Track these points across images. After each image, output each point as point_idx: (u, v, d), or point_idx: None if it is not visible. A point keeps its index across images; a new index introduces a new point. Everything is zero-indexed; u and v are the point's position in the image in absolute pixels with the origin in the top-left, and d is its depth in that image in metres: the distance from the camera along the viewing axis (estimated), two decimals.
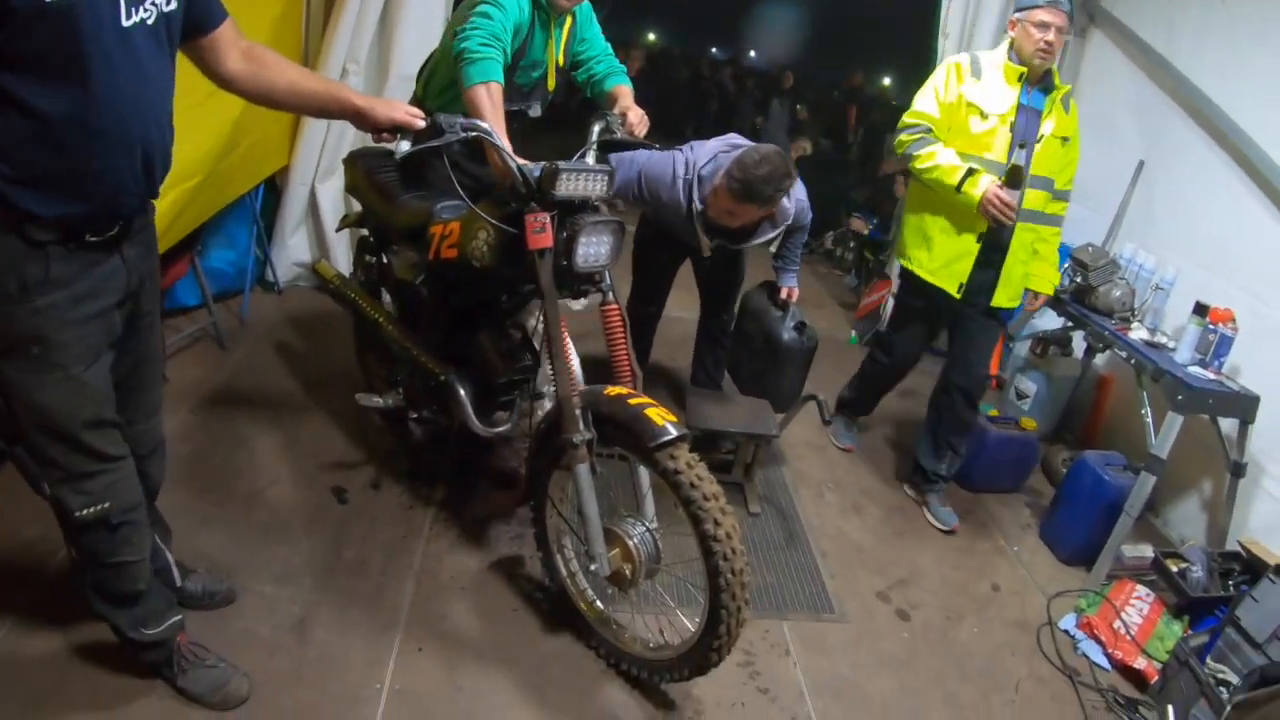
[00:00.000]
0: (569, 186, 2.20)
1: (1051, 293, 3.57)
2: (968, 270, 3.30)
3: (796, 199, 3.25)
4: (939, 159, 3.18)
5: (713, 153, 3.08)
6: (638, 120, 2.80)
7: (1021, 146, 3.17)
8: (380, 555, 2.74)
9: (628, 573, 2.28)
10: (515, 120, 3.10)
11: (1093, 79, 4.96)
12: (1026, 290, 3.48)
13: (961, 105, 3.22)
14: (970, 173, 3.12)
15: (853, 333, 5.73)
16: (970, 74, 3.24)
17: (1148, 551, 3.36)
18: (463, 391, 2.59)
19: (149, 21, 1.60)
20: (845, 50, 13.37)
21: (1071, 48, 5.09)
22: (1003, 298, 3.37)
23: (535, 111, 3.14)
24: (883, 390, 4.03)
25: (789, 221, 3.27)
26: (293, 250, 4.54)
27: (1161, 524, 3.96)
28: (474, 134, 2.16)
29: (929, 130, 3.26)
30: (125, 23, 1.54)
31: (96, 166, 1.59)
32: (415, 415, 2.93)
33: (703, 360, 3.88)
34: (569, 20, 3.06)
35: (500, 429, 2.68)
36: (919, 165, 3.25)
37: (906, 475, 3.87)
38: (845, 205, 7.60)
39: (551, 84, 3.11)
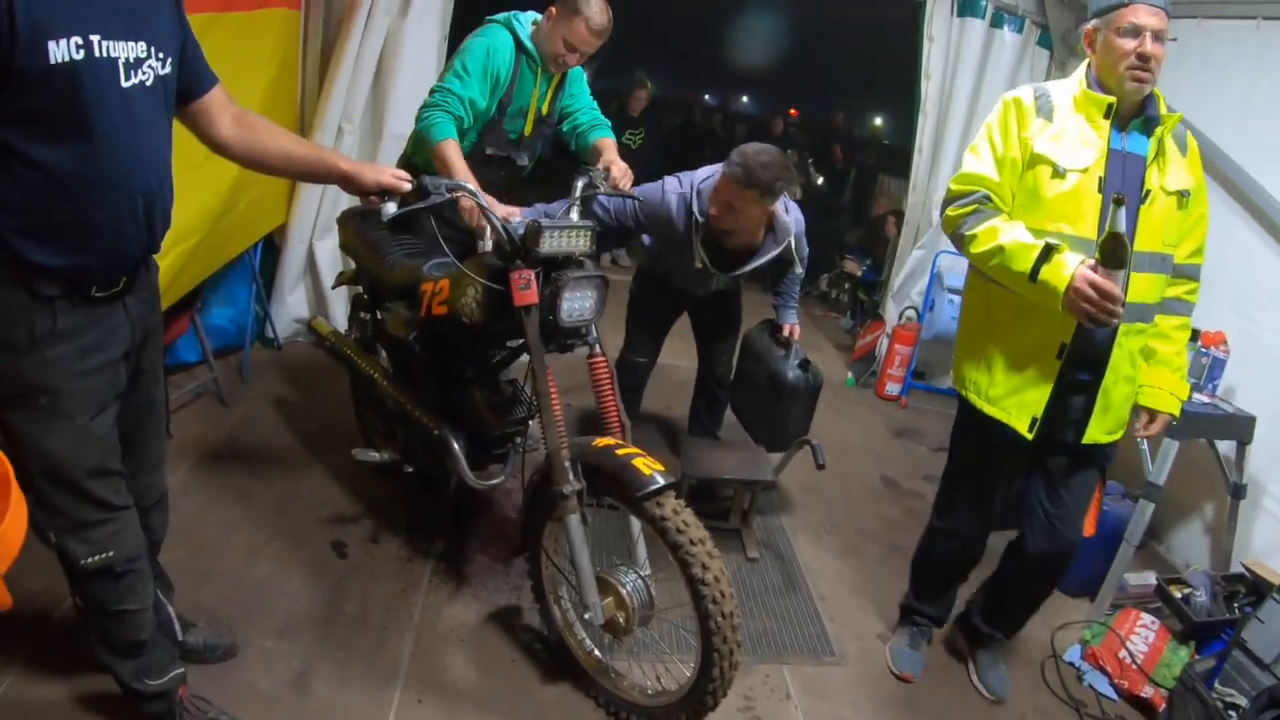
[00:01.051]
0: (552, 244, 2.25)
1: (1178, 412, 2.50)
2: (1044, 399, 2.36)
3: (795, 218, 3.24)
4: (1002, 237, 2.19)
5: (711, 170, 3.11)
6: (620, 174, 2.86)
7: (1118, 204, 2.02)
8: (380, 608, 2.75)
9: (622, 620, 2.29)
10: (503, 167, 3.20)
11: None
12: (1138, 407, 2.49)
13: (1028, 159, 2.29)
14: (1049, 251, 2.11)
15: (849, 375, 5.77)
16: (1036, 114, 2.30)
17: (1151, 579, 3.37)
18: (456, 446, 2.62)
19: (147, 84, 1.68)
20: (836, 92, 13.53)
21: (1052, 81, 5.19)
22: (1099, 430, 2.41)
23: (523, 160, 3.23)
24: (954, 575, 2.95)
25: (790, 239, 3.20)
26: (292, 307, 4.61)
27: (1165, 550, 3.96)
28: (459, 194, 2.23)
29: (985, 199, 2.31)
30: (124, 84, 1.62)
31: (99, 218, 1.65)
32: (412, 469, 2.96)
33: (699, 413, 3.89)
34: (558, 75, 3.17)
35: (494, 481, 2.71)
36: (975, 249, 2.27)
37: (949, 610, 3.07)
38: (839, 247, 7.68)
39: (529, 129, 3.19)
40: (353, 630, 2.64)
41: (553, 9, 3.02)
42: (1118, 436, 2.49)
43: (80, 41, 1.52)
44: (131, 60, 1.64)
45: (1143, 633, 3.11)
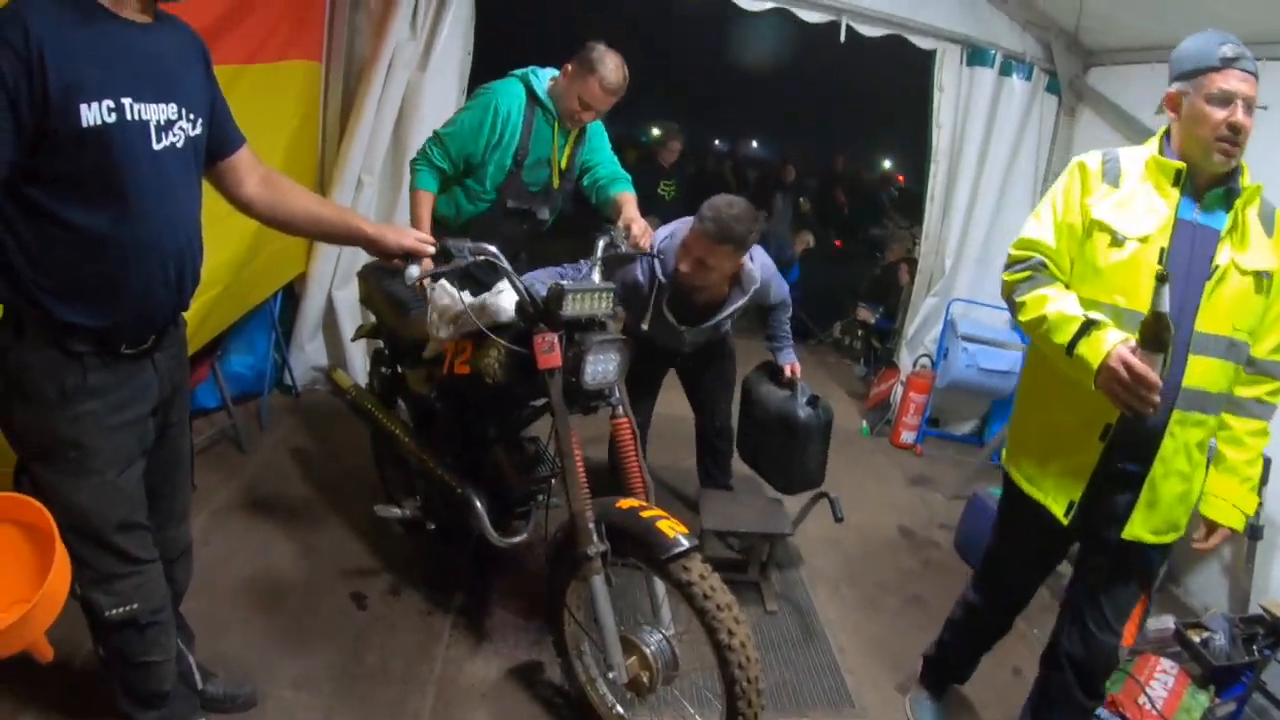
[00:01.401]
0: (575, 307, 2.28)
1: (1241, 527, 2.26)
2: (1083, 483, 2.20)
3: (761, 264, 3.21)
4: (1049, 307, 2.06)
5: (669, 231, 3.11)
6: (640, 232, 2.88)
7: (1162, 280, 1.82)
8: (400, 661, 2.75)
9: (645, 680, 2.30)
10: (524, 220, 3.25)
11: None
12: (1198, 515, 2.25)
13: (1086, 226, 2.14)
14: (1089, 326, 1.97)
15: (863, 423, 5.76)
16: (1102, 179, 2.15)
17: (1169, 623, 3.33)
18: (479, 504, 2.63)
19: (178, 145, 1.74)
20: (848, 138, 13.63)
21: (1061, 128, 5.29)
22: (1143, 527, 2.18)
23: (544, 215, 3.27)
24: (982, 644, 2.83)
25: (756, 286, 3.16)
26: (310, 355, 4.65)
27: (1183, 593, 3.93)
28: (482, 258, 2.25)
29: (1041, 265, 2.18)
30: (155, 146, 1.67)
31: (130, 278, 1.69)
32: (434, 525, 2.96)
33: (707, 467, 3.83)
34: (575, 130, 3.24)
35: (517, 539, 2.71)
36: (1024, 317, 2.15)
37: None
38: (851, 295, 7.71)
39: (556, 182, 3.25)
40: (373, 683, 2.64)
41: (569, 66, 3.10)
42: (1168, 539, 2.23)
43: (112, 105, 1.57)
44: (163, 122, 1.69)
45: (1162, 678, 3.07)
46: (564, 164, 3.28)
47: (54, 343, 1.66)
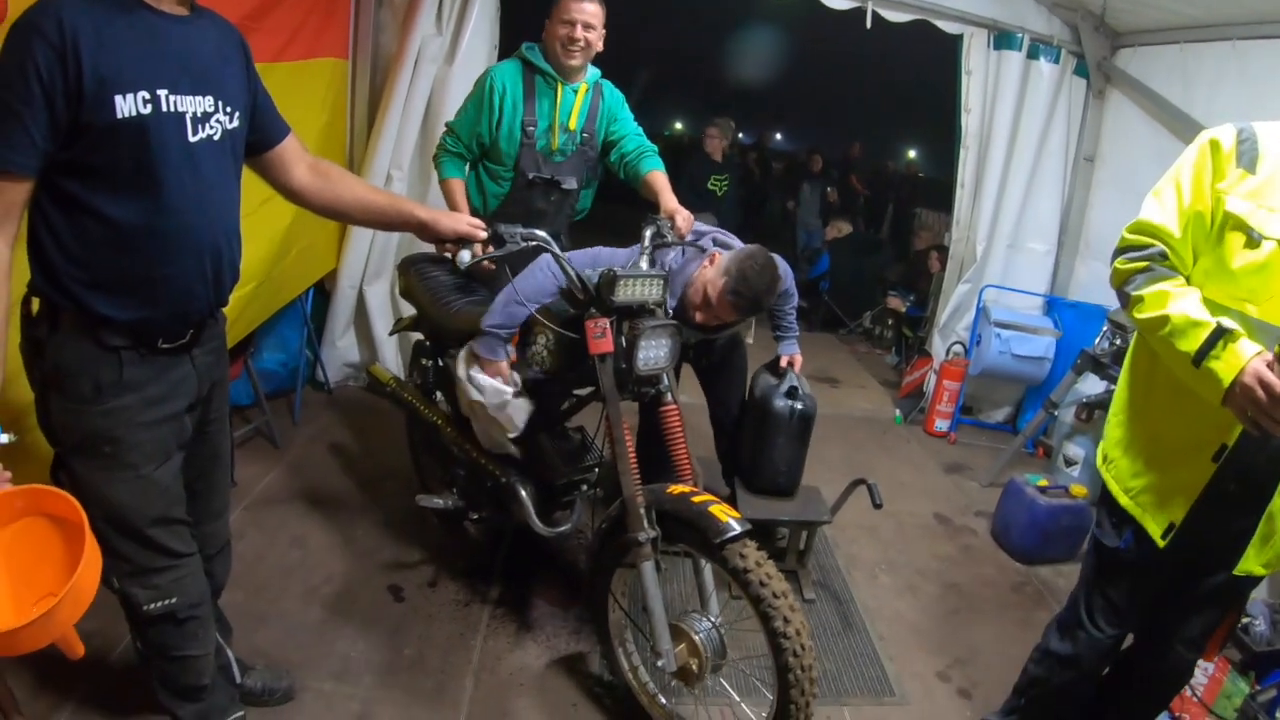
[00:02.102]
0: (627, 293, 2.26)
1: None
2: (1187, 504, 1.94)
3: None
4: (1171, 306, 1.78)
5: (678, 259, 2.94)
6: (684, 223, 2.86)
7: None
8: (439, 652, 2.75)
9: (694, 668, 2.28)
10: (551, 191, 3.26)
11: (1113, 137, 5.09)
12: None
13: (1217, 217, 1.82)
14: (1221, 334, 1.69)
15: (897, 412, 5.72)
16: (1236, 162, 1.82)
17: None
18: (524, 493, 2.63)
19: (215, 138, 1.73)
20: (873, 126, 13.55)
21: (1090, 110, 5.22)
22: (1255, 561, 1.95)
23: (570, 184, 3.28)
24: (1072, 705, 2.41)
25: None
26: (342, 351, 4.67)
27: None
28: (533, 243, 2.24)
29: (1162, 256, 1.88)
30: (191, 139, 1.67)
31: (166, 272, 1.69)
32: (475, 516, 2.96)
33: (727, 455, 3.68)
34: (584, 90, 3.23)
35: (561, 528, 2.70)
36: (1140, 314, 1.86)
37: None
38: (881, 284, 7.66)
39: (556, 143, 3.23)
40: (412, 674, 2.65)
41: (548, 18, 3.13)
42: (1276, 569, 2.02)
43: (147, 96, 1.57)
44: (199, 115, 1.68)
45: (1203, 665, 3.03)
46: (571, 124, 3.25)
47: (89, 336, 1.66)
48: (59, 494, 1.55)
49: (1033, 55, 5.09)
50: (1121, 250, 1.97)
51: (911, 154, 15.40)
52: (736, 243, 3.00)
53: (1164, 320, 1.79)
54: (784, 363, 3.37)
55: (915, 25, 4.99)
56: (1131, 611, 2.20)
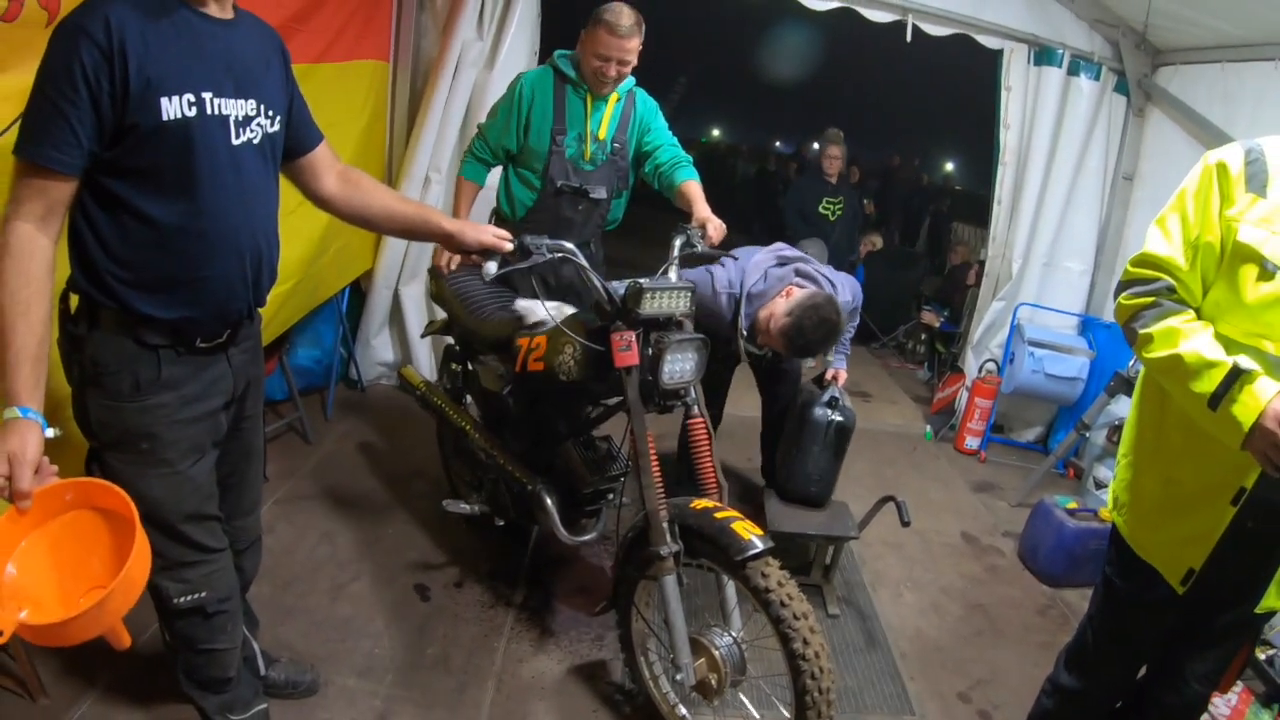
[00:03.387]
0: (654, 305, 2.25)
1: None
2: (1206, 551, 1.84)
3: (848, 297, 3.28)
4: (1183, 345, 1.67)
5: (762, 268, 3.13)
6: (715, 231, 2.85)
7: None
8: (462, 653, 2.77)
9: (713, 682, 2.27)
10: (580, 200, 3.25)
11: (1153, 157, 5.03)
12: None
13: (1228, 247, 1.71)
14: (1239, 375, 1.58)
15: (927, 428, 5.68)
16: (1246, 186, 1.71)
17: None
18: (550, 501, 2.63)
19: (255, 141, 1.76)
20: (912, 138, 13.47)
21: (1130, 129, 5.16)
22: (1276, 596, 1.91)
23: (599, 194, 3.26)
24: None
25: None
26: (376, 350, 4.73)
27: None
28: (560, 255, 2.24)
29: (1170, 290, 1.77)
30: (235, 142, 1.70)
31: (207, 272, 1.71)
32: (502, 522, 2.97)
33: (770, 454, 3.89)
34: (615, 100, 3.23)
35: (586, 537, 2.71)
36: (1149, 354, 1.75)
37: None
38: (915, 298, 7.59)
39: (588, 153, 3.23)
40: (434, 673, 2.67)
41: (583, 32, 3.10)
42: None
43: (192, 99, 1.59)
44: (241, 118, 1.71)
45: (1225, 696, 2.98)
46: (601, 134, 3.24)
47: (129, 335, 1.68)
48: (109, 487, 1.57)
49: (1073, 72, 5.04)
50: (1126, 284, 1.86)
51: (949, 167, 15.27)
52: (824, 275, 3.16)
53: (1176, 360, 1.68)
54: (829, 376, 3.47)
55: (955, 39, 4.97)
56: (1142, 649, 2.13)
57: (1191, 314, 1.75)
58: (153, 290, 1.67)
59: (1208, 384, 1.61)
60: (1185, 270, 1.76)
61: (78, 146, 1.50)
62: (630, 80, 3.25)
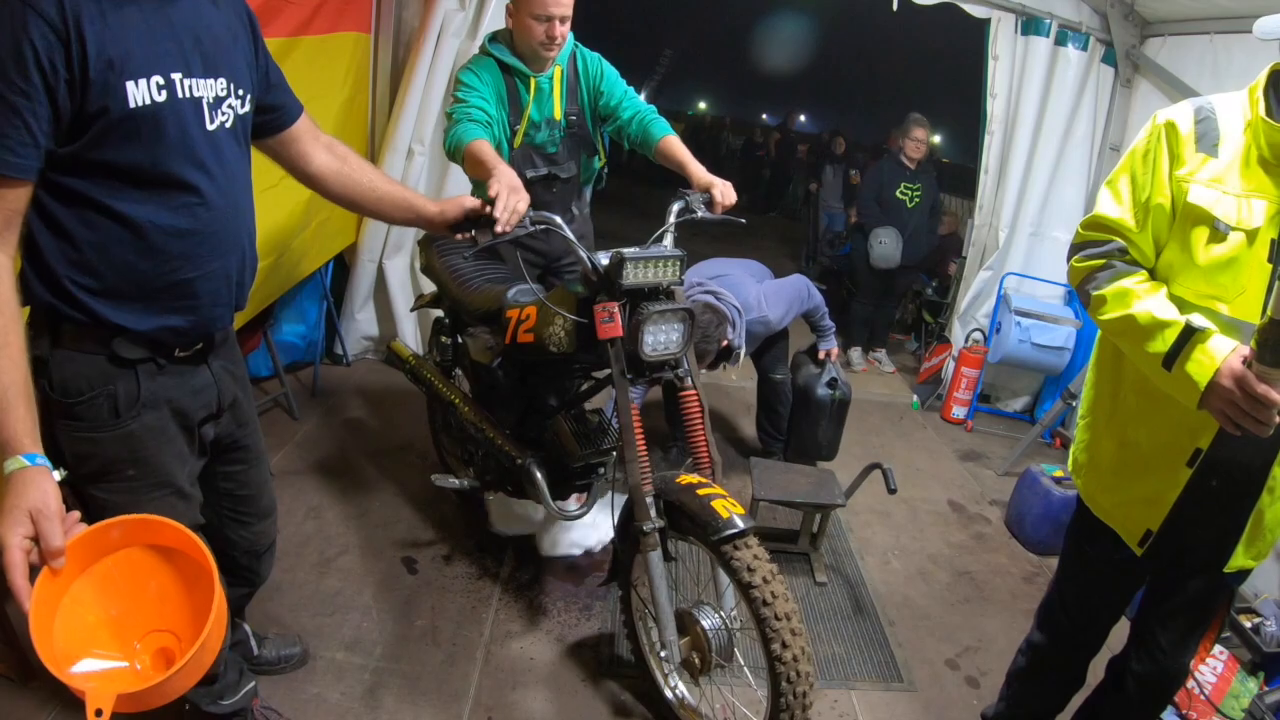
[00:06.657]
0: (636, 275, 2.17)
1: None
2: (1163, 513, 1.84)
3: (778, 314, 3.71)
4: (1135, 306, 1.67)
5: (758, 311, 3.57)
6: (723, 195, 2.65)
7: None
8: (450, 625, 2.78)
9: (698, 661, 2.23)
10: (551, 184, 3.09)
11: (1140, 127, 4.95)
12: None
13: (1177, 207, 1.70)
14: (1192, 334, 1.57)
15: (914, 398, 5.71)
16: (1196, 146, 1.69)
17: None
18: (540, 475, 2.60)
19: (228, 125, 1.58)
20: (897, 108, 13.44)
21: (1118, 100, 5.14)
22: (1244, 556, 1.87)
23: (567, 172, 3.11)
24: (1053, 701, 2.40)
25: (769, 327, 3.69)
26: (361, 324, 4.71)
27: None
28: (543, 226, 2.19)
29: (1121, 251, 1.78)
30: (209, 127, 1.52)
31: (190, 274, 1.55)
32: (491, 495, 2.96)
33: (761, 423, 4.12)
34: (559, 74, 3.01)
35: (576, 510, 2.69)
36: (1102, 315, 1.75)
37: None
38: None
39: (548, 138, 3.05)
40: (423, 645, 2.68)
41: (508, 6, 2.91)
42: (1263, 559, 1.94)
43: (161, 81, 1.41)
44: (213, 100, 1.53)
45: (1211, 663, 3.02)
46: (556, 114, 3.04)
47: (103, 350, 1.51)
48: (163, 523, 1.38)
49: (1060, 42, 5.02)
50: (1078, 247, 1.86)
51: (936, 139, 15.23)
52: (732, 293, 3.53)
53: (1129, 321, 1.68)
54: (822, 354, 4.04)
55: (942, 9, 4.92)
56: (1108, 609, 2.16)
57: (1144, 275, 1.74)
58: (126, 298, 1.49)
59: (1161, 344, 1.61)
60: (1136, 232, 1.75)
61: (34, 146, 1.31)
62: (570, 43, 3.03)
